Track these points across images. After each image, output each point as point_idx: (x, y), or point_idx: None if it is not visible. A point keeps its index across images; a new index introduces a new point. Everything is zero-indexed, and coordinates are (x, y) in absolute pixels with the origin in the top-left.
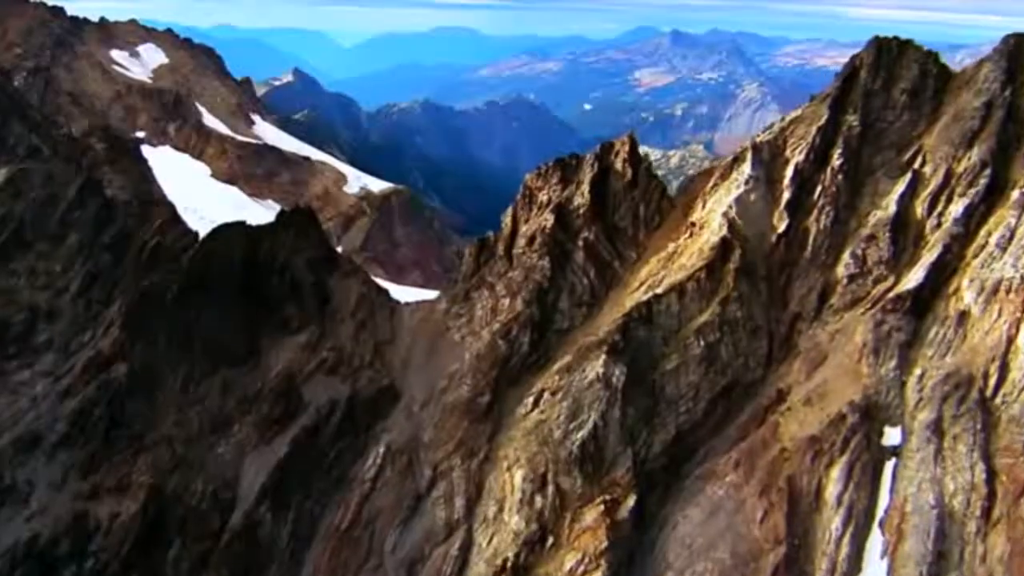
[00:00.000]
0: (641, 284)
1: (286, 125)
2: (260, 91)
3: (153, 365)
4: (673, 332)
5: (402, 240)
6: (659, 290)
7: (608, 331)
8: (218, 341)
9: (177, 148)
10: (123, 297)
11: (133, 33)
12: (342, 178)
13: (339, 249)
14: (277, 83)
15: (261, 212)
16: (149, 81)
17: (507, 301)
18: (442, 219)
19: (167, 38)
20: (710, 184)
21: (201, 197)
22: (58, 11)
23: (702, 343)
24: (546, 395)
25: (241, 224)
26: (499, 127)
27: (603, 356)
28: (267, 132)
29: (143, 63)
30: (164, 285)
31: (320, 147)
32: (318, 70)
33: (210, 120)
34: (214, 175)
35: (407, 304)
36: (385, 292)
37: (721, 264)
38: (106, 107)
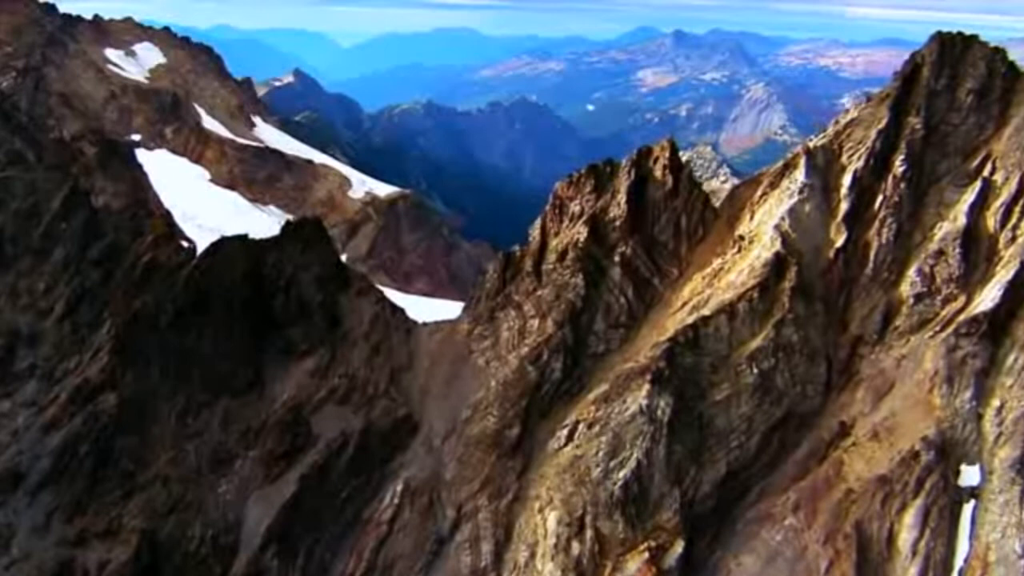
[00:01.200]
0: (684, 304)
1: (287, 127)
2: (260, 92)
3: (146, 395)
4: (722, 358)
5: (409, 247)
6: (706, 311)
7: (651, 357)
8: (218, 368)
9: (175, 152)
10: (113, 319)
11: (128, 31)
12: (346, 182)
13: (344, 257)
14: (278, 84)
15: (263, 218)
16: (145, 81)
17: (536, 322)
18: (449, 223)
19: (164, 37)
20: (758, 193)
21: (200, 203)
22: (50, 8)
23: (755, 370)
24: (582, 428)
25: (243, 238)
26: (502, 128)
27: (646, 386)
28: (268, 134)
29: (139, 63)
30: (158, 306)
31: (322, 149)
32: (317, 71)
33: (209, 122)
34: (214, 180)
35: (425, 325)
36: (401, 312)
37: (775, 282)
38: (100, 109)
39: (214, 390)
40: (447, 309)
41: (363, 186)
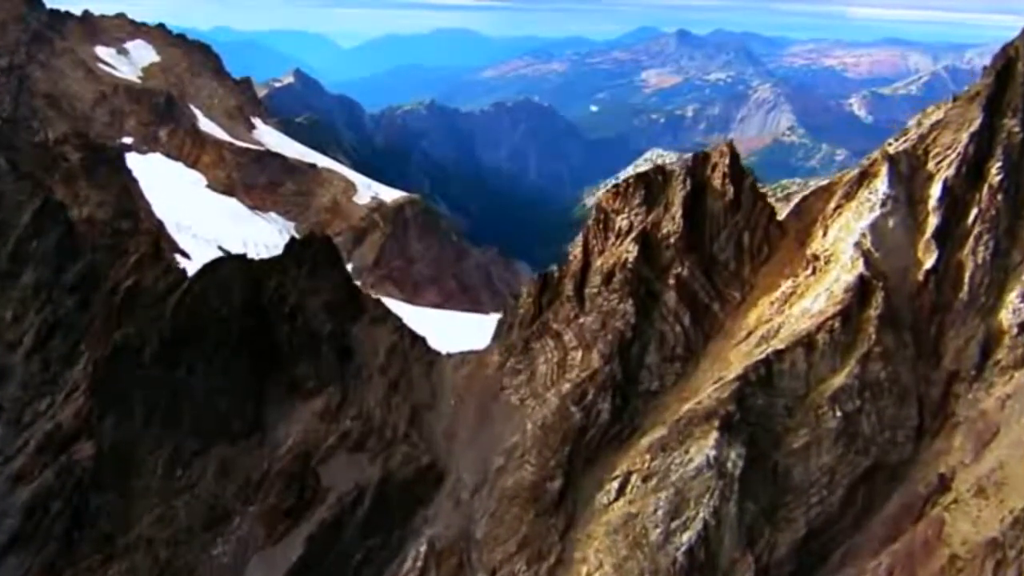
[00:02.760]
0: (749, 333)
1: (288, 128)
2: (260, 93)
3: (128, 443)
4: (799, 399)
5: (418, 255)
6: (778, 343)
7: (717, 399)
8: (212, 410)
9: (169, 155)
10: (90, 354)
11: (120, 28)
12: (351, 187)
13: (349, 267)
14: (278, 84)
15: (264, 226)
16: (138, 81)
17: (579, 355)
18: (457, 228)
19: (158, 34)
20: (831, 206)
21: (196, 211)
22: (35, 3)
23: (837, 413)
24: (635, 480)
25: (240, 258)
26: (506, 129)
27: (714, 434)
28: (268, 137)
29: (131, 61)
30: (142, 338)
31: (324, 151)
32: (318, 71)
33: (206, 124)
34: (211, 185)
35: (450, 356)
36: (422, 341)
37: (858, 310)
38: (89, 110)
39: (207, 436)
40: (459, 322)
41: (369, 191)
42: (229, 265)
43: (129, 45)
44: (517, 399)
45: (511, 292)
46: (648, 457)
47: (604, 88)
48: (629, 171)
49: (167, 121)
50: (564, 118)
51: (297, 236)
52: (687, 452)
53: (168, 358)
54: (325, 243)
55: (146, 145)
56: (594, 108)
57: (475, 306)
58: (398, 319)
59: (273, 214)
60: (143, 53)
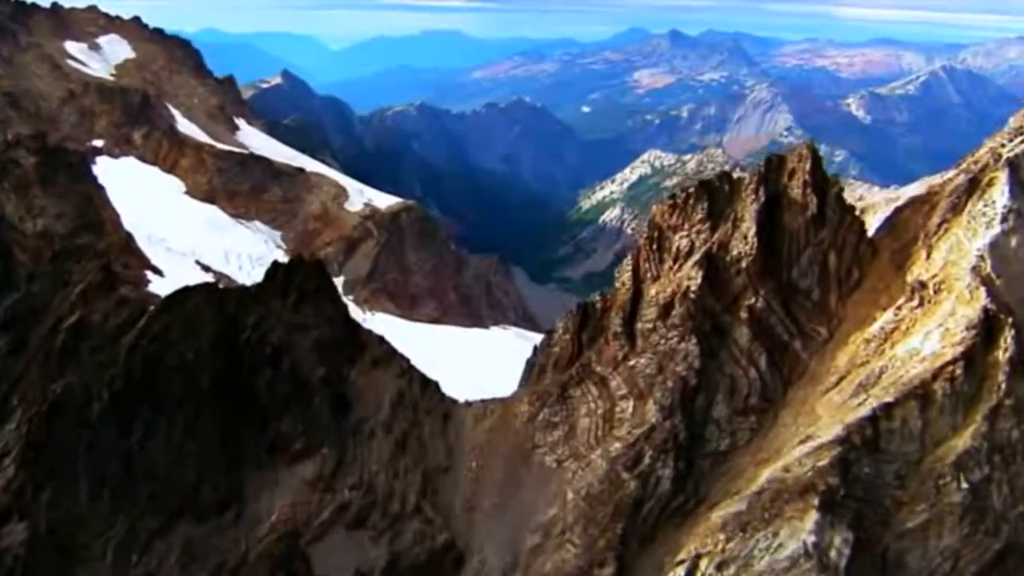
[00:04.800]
0: (840, 379)
1: (274, 130)
2: (247, 94)
3: (71, 523)
4: (912, 465)
5: (414, 266)
6: (883, 394)
7: (815, 468)
8: (176, 479)
9: (144, 160)
10: (23, 410)
11: (92, 22)
12: (342, 193)
13: (341, 280)
14: (265, 85)
15: (247, 236)
16: (111, 79)
17: (630, 406)
18: (450, 232)
19: (133, 28)
20: (934, 220)
21: (171, 221)
22: None
23: (963, 483)
24: (708, 567)
25: (211, 288)
26: (499, 130)
27: (814, 514)
28: (253, 139)
29: (104, 57)
30: (89, 390)
31: (312, 154)
32: (306, 73)
33: (185, 125)
34: (190, 192)
35: (469, 405)
36: (434, 387)
37: (983, 352)
38: (55, 110)
39: (170, 512)
40: (461, 339)
41: (361, 197)
42: (197, 297)
43: (102, 40)
44: (553, 460)
45: (511, 303)
46: (723, 538)
47: (596, 89)
48: (626, 172)
49: (142, 122)
50: (558, 119)
51: (284, 247)
52: (775, 535)
53: (121, 415)
54: (314, 267)
55: (118, 148)
56: (587, 109)
57: (475, 320)
58: (404, 360)
59: (258, 223)
60: (117, 49)
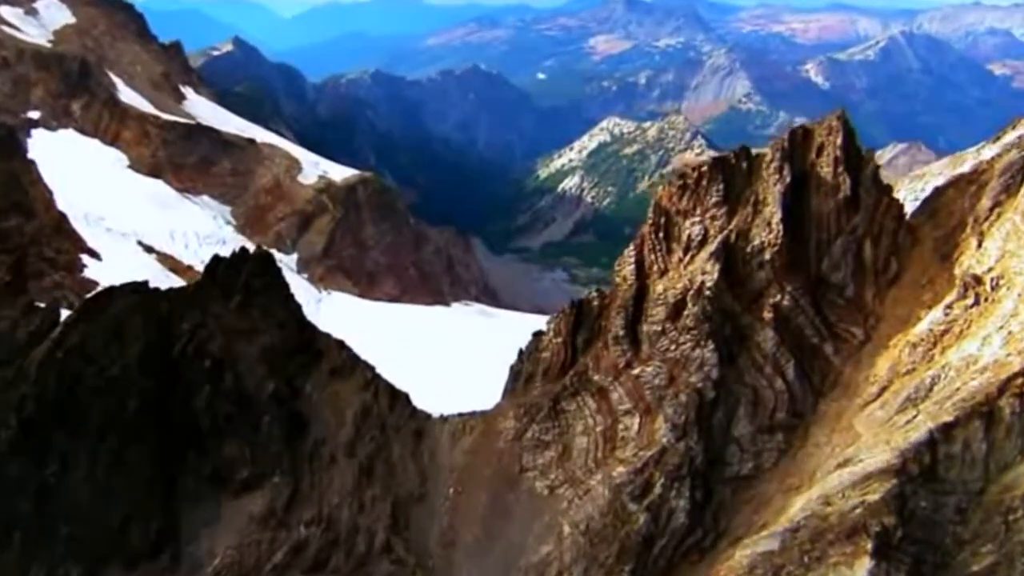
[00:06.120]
0: (882, 389)
1: (225, 99)
2: (196, 62)
3: None
4: (974, 495)
5: (372, 242)
6: (940, 412)
7: (865, 503)
8: (100, 520)
9: (84, 132)
10: None
11: None
12: (295, 165)
13: (295, 257)
14: (215, 53)
15: (195, 213)
16: (48, 45)
17: (635, 423)
18: (406, 202)
19: None
20: (984, 203)
21: (112, 198)
22: None
23: None
24: None
25: (139, 288)
26: (454, 98)
27: (866, 562)
28: (201, 108)
29: (41, 22)
30: None
31: (265, 124)
32: (258, 40)
33: (128, 94)
34: (132, 166)
35: (444, 421)
36: (403, 399)
37: None
38: None
39: (94, 558)
40: (422, 318)
41: (315, 169)
42: (122, 300)
43: (39, 4)
44: (545, 487)
45: (472, 278)
46: None
47: (552, 55)
48: (585, 140)
49: (81, 92)
50: (514, 86)
51: (234, 223)
52: None
53: (33, 445)
54: (262, 260)
55: (56, 120)
56: (542, 76)
57: (436, 297)
58: (369, 369)
59: (206, 197)
60: (55, 13)
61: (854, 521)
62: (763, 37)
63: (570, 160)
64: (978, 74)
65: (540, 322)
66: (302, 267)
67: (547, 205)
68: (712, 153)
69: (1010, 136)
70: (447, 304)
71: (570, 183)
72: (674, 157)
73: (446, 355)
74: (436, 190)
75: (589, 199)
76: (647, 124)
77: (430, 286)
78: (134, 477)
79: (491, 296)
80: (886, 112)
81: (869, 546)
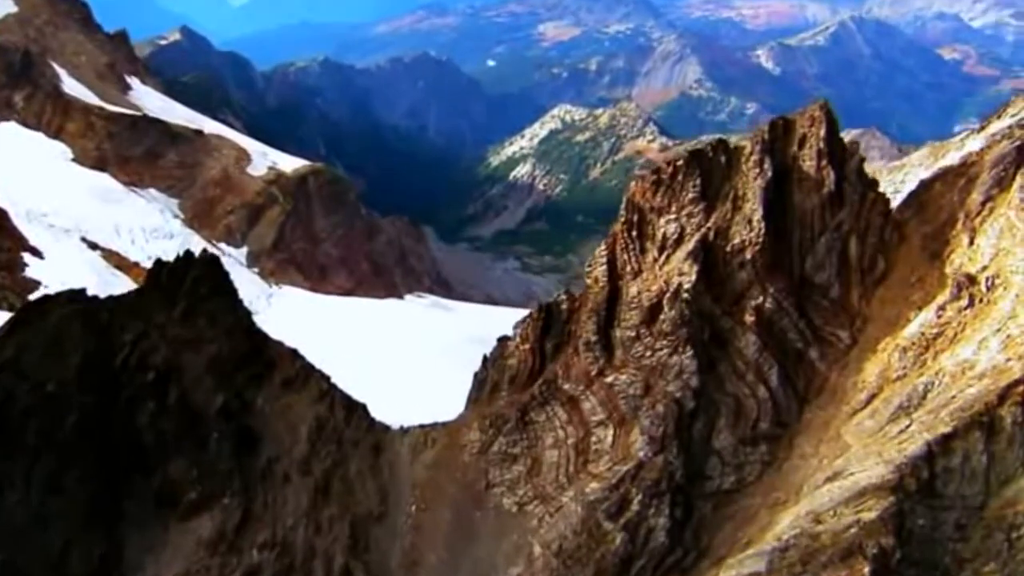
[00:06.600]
0: (871, 396)
1: (171, 89)
2: (143, 51)
3: None
4: (975, 512)
5: (324, 234)
6: (935, 422)
7: (860, 522)
8: (36, 546)
9: (26, 124)
10: None
11: None
12: (244, 156)
13: (244, 251)
14: (163, 42)
15: (141, 207)
16: None
17: (609, 434)
18: (356, 191)
19: None
20: (975, 197)
21: (55, 193)
22: None
23: None
24: None
25: (76, 296)
26: (404, 86)
27: None
28: (148, 99)
29: None
30: None
31: (214, 114)
32: (206, 29)
33: (72, 86)
34: (77, 159)
35: (405, 433)
36: (361, 411)
37: None
38: None
39: None
40: (375, 310)
41: (265, 160)
42: (59, 309)
43: None
44: (513, 503)
45: (425, 269)
46: None
47: (501, 42)
48: (536, 128)
49: (24, 83)
50: (464, 73)
51: (181, 216)
52: None
53: None
54: (208, 264)
55: None
56: (492, 63)
57: (389, 289)
58: (324, 379)
59: (153, 191)
60: None
61: (849, 541)
62: (713, 23)
63: (521, 148)
64: (928, 59)
65: (495, 313)
66: (252, 261)
67: (499, 193)
68: (665, 140)
69: (996, 125)
70: (400, 296)
71: (522, 171)
72: (626, 144)
73: (402, 351)
74: (386, 178)
75: (541, 187)
76: (598, 111)
77: (383, 278)
78: (73, 500)
79: (444, 287)
80: (838, 98)
81: (866, 569)
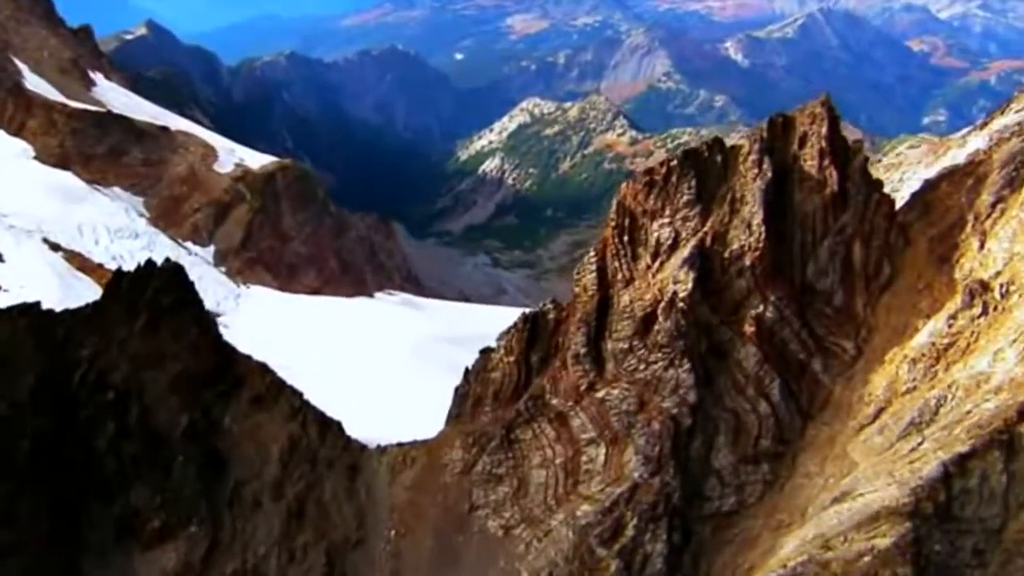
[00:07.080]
0: (879, 411)
1: (137, 85)
2: (108, 46)
3: None
4: (993, 535)
5: (292, 232)
6: (952, 440)
7: (873, 549)
8: None
9: None
10: None
11: None
12: (211, 152)
13: (212, 250)
14: (128, 37)
15: (105, 206)
16: None
17: (601, 453)
18: (324, 187)
19: None
20: (985, 198)
21: (16, 192)
22: None
23: None
24: None
25: (30, 310)
26: (372, 79)
27: None
28: (112, 96)
29: None
30: None
31: (180, 109)
32: (172, 22)
33: (33, 81)
34: (38, 157)
35: (383, 452)
36: (336, 428)
37: None
38: None
39: None
40: (344, 309)
41: (232, 156)
42: (10, 325)
43: None
44: (499, 527)
45: (395, 265)
46: None
47: (469, 35)
48: (505, 121)
49: None
50: (432, 67)
51: (147, 215)
52: None
53: None
54: (171, 274)
55: None
56: (460, 56)
57: (359, 287)
58: (296, 396)
59: (117, 189)
60: None
61: (862, 571)
62: (680, 15)
63: (490, 142)
64: (896, 50)
65: (466, 310)
66: (219, 260)
67: (468, 188)
68: (635, 134)
69: (1000, 121)
70: (370, 295)
71: (491, 165)
72: (596, 138)
73: (372, 353)
74: (355, 173)
75: (510, 181)
76: (567, 104)
77: (352, 276)
78: (28, 531)
79: (414, 283)
80: (808, 89)
81: None
